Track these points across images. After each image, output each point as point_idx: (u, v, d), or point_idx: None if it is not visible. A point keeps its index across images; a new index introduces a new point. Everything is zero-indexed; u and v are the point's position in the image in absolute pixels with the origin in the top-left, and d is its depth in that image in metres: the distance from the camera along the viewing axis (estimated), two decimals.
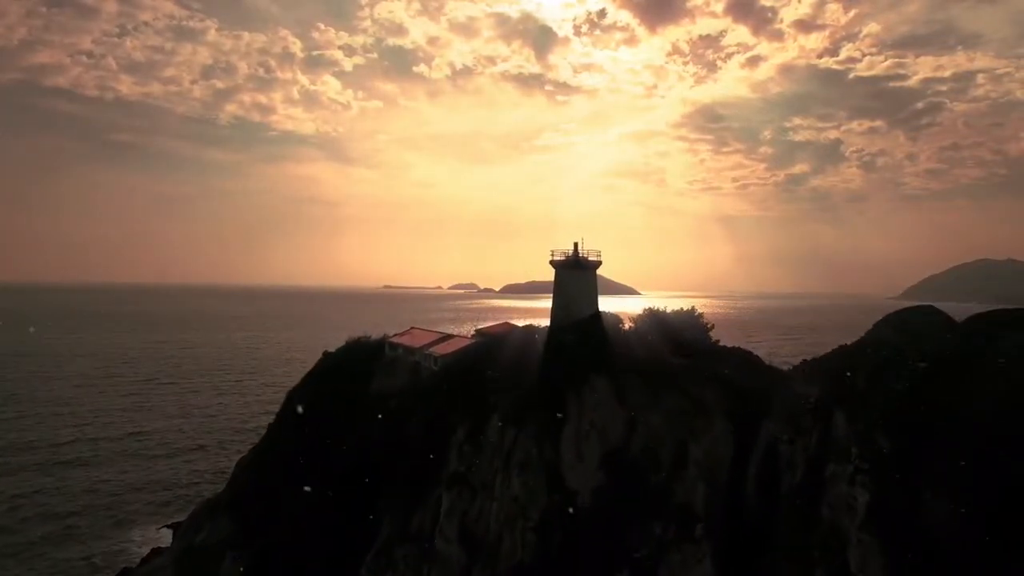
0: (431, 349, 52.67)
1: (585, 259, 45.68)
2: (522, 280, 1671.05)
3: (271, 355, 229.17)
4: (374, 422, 48.23)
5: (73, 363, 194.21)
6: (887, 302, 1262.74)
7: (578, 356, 39.99)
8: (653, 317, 53.83)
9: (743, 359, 49.05)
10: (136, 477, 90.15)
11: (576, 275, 45.25)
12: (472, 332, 62.86)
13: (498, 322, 63.88)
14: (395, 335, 63.79)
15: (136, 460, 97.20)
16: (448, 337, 55.95)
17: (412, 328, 63.99)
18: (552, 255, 46.05)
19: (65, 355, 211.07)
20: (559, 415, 37.75)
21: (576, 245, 45.82)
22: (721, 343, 53.43)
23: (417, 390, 48.60)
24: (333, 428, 52.14)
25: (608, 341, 42.45)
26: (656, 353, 43.59)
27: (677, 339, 49.78)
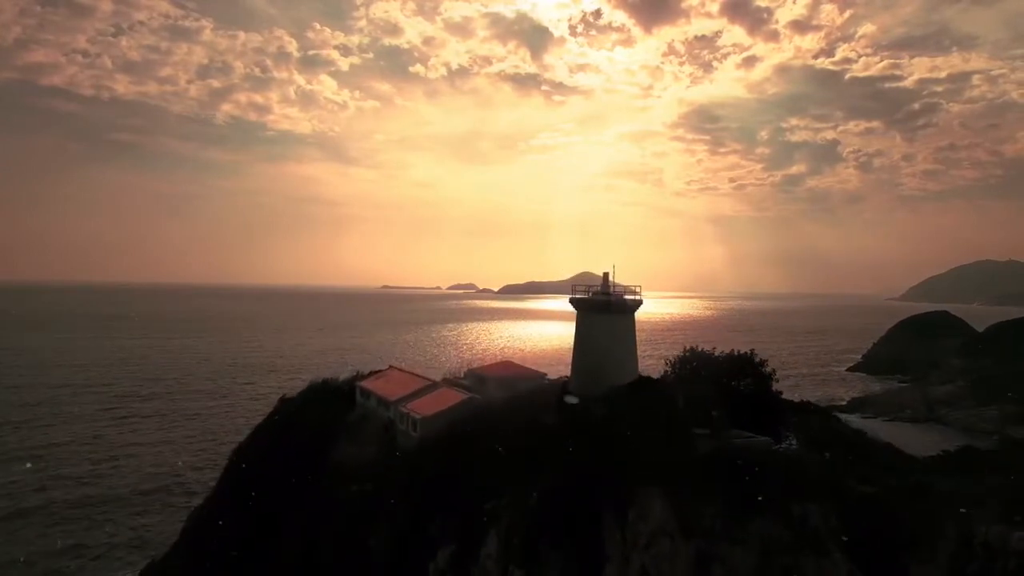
0: (409, 406, 39.46)
1: (620, 297, 32.14)
2: (521, 281, 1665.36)
3: (261, 362, 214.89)
4: (329, 514, 34.94)
5: (49, 373, 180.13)
6: (888, 303, 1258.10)
7: (616, 451, 26.59)
8: (696, 361, 40.66)
9: (830, 428, 35.76)
10: (84, 531, 75.62)
11: (607, 321, 31.67)
12: (464, 371, 49.69)
13: (496, 361, 50.50)
14: (370, 375, 50.66)
15: (88, 509, 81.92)
16: (432, 387, 42.45)
17: (390, 368, 50.51)
18: (573, 291, 32.52)
19: (43, 364, 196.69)
20: (593, 553, 24.57)
21: (606, 276, 32.20)
22: (784, 395, 40.34)
23: (387, 471, 35.25)
24: (277, 513, 38.85)
25: (663, 426, 28.57)
26: (720, 430, 30.23)
27: (732, 394, 36.72)
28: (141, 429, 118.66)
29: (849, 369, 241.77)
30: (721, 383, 36.79)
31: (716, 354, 40.37)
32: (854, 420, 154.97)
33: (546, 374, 43.51)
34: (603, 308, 32.33)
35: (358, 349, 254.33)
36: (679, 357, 40.29)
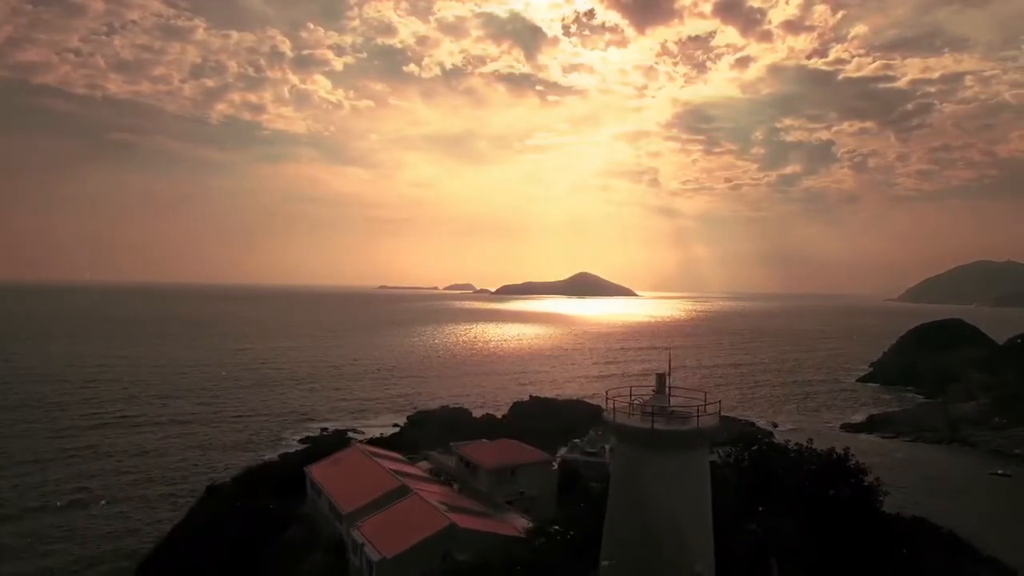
0: (365, 529, 28.33)
1: (686, 422, 19.43)
2: (518, 281, 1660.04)
3: (250, 373, 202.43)
4: None
5: (17, 388, 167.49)
6: (887, 304, 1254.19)
7: None
8: (771, 461, 29.90)
9: None
10: None
11: (667, 464, 19.22)
12: (452, 445, 39.15)
13: (489, 442, 39.48)
14: (329, 453, 39.45)
15: None
16: (400, 493, 30.82)
17: (354, 447, 38.68)
18: (607, 404, 20.44)
19: (15, 377, 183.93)
20: None
21: (662, 380, 20.38)
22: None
23: None
24: None
25: None
26: None
27: (822, 505, 26.42)
28: (99, 469, 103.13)
29: (860, 379, 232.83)
30: (805, 488, 26.59)
31: (791, 447, 30.04)
32: (874, 441, 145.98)
33: (552, 461, 33.22)
34: (662, 443, 19.00)
35: (347, 360, 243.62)
36: (747, 455, 29.53)
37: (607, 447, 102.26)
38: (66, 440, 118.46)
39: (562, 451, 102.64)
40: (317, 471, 35.23)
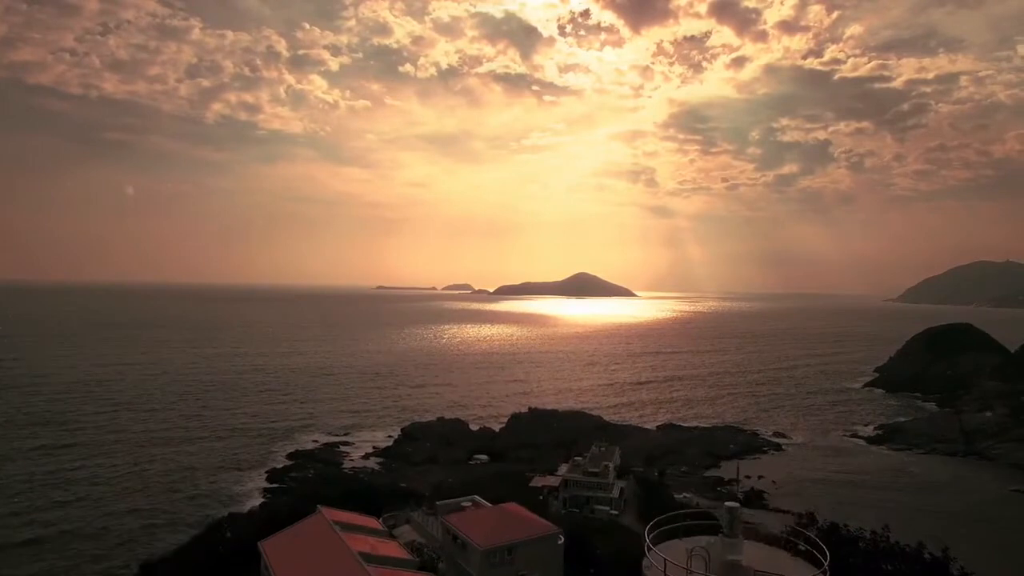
0: None
1: None
2: (516, 282, 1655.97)
3: (241, 379, 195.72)
4: None
5: (10, 396, 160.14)
6: (887, 304, 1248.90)
7: None
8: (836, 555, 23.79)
9: None
10: None
11: None
12: (436, 505, 33.06)
13: (484, 504, 33.01)
14: (295, 521, 32.76)
15: None
16: None
17: (321, 512, 31.05)
18: (652, 557, 13.31)
19: (14, 379, 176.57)
20: None
21: (733, 515, 13.25)
22: None
23: None
24: None
25: None
26: None
27: None
28: (71, 497, 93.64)
29: (866, 385, 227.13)
30: None
31: (861, 535, 24.31)
32: (886, 454, 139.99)
33: (559, 533, 27.37)
34: None
35: (343, 367, 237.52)
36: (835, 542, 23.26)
37: (610, 465, 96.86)
38: (44, 462, 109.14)
39: (563, 469, 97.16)
40: (271, 550, 28.72)
